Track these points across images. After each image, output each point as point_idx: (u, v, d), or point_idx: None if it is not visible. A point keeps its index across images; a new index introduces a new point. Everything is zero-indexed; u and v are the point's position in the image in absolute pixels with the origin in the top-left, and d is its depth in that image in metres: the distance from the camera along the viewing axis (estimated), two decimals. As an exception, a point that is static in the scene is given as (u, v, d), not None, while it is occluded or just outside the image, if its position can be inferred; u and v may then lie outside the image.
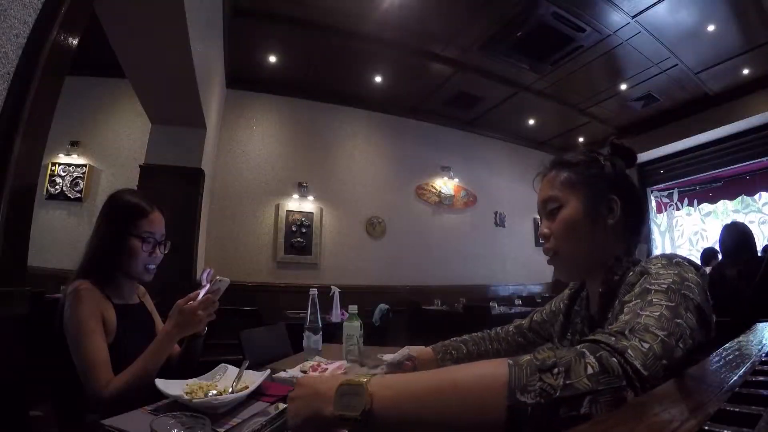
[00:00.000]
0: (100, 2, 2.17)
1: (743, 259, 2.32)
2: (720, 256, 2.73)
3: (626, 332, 0.47)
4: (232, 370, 1.06)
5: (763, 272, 2.01)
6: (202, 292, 1.09)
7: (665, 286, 0.56)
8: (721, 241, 2.53)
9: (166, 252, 1.22)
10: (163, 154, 3.64)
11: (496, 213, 6.62)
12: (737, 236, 2.44)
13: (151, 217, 1.16)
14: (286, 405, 0.88)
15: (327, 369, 1.19)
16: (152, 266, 1.18)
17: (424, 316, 4.59)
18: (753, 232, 2.52)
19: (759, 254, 2.49)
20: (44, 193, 4.35)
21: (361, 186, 5.62)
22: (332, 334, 1.85)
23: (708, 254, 4.23)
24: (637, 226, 0.81)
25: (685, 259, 0.66)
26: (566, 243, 0.81)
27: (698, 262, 4.13)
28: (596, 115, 6.03)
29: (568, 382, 0.39)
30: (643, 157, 6.52)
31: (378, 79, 5.18)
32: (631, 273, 0.71)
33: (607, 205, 0.78)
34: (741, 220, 5.97)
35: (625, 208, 0.78)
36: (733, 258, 2.40)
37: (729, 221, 2.91)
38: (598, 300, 0.78)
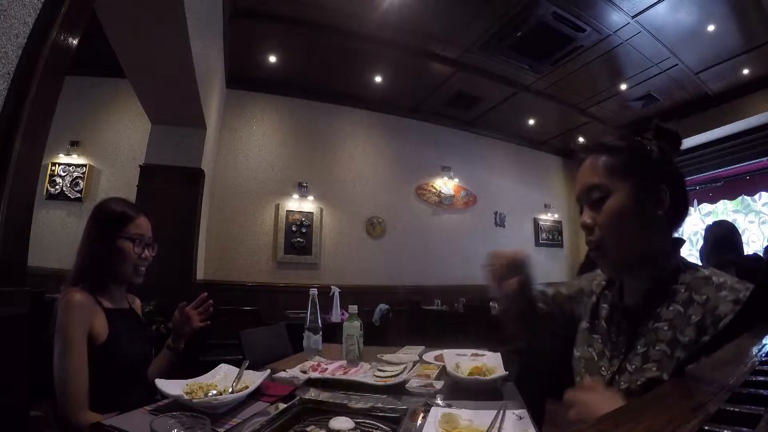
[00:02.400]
0: (100, 2, 2.17)
1: (726, 260, 2.11)
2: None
3: None
4: (232, 370, 1.06)
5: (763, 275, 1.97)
6: None
7: None
8: (704, 241, 2.40)
9: (153, 254, 1.25)
10: (163, 154, 3.64)
11: (496, 213, 6.62)
12: (717, 236, 2.31)
13: (137, 221, 1.20)
14: (286, 405, 0.89)
15: (327, 369, 1.19)
16: (142, 268, 1.21)
17: (424, 316, 4.59)
18: (739, 231, 2.39)
19: (752, 254, 2.38)
20: (44, 193, 4.35)
21: (361, 186, 5.62)
22: (332, 333, 1.85)
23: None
24: (681, 218, 0.78)
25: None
26: (613, 235, 0.75)
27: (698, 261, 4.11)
28: (596, 115, 6.03)
29: None
30: (643, 157, 6.52)
31: (378, 79, 5.18)
32: (685, 275, 0.71)
33: (657, 194, 0.73)
34: (741, 221, 5.99)
35: (673, 199, 0.74)
36: (715, 258, 2.23)
37: (736, 225, 2.74)
38: (642, 293, 0.75)
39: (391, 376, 1.12)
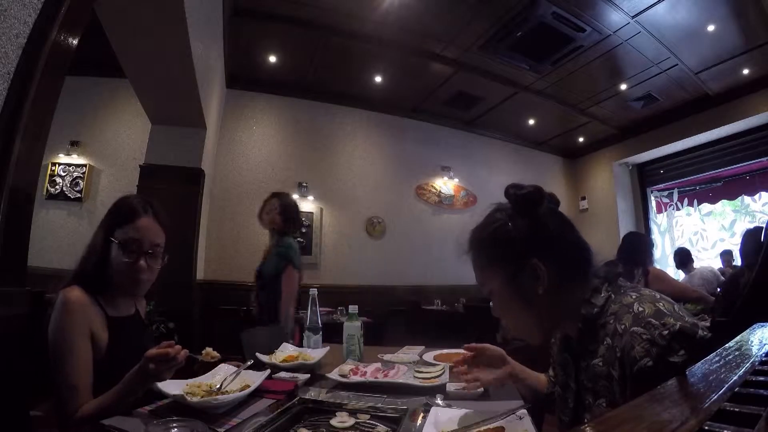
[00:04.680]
0: (100, 2, 2.17)
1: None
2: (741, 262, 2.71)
3: None
4: (232, 370, 1.06)
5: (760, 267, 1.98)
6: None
7: None
8: (741, 248, 2.50)
9: (162, 264, 1.11)
10: (163, 154, 3.64)
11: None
12: (756, 241, 2.35)
13: (138, 222, 1.05)
14: (286, 405, 0.89)
15: (366, 372, 1.18)
16: (142, 278, 1.05)
17: (424, 316, 4.59)
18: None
19: None
20: (44, 193, 4.34)
21: (361, 186, 5.62)
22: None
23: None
24: (580, 268, 0.75)
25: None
26: (511, 322, 0.80)
27: (704, 264, 4.14)
28: (596, 115, 6.03)
29: None
30: (643, 157, 6.53)
31: (378, 79, 5.18)
32: (614, 305, 0.70)
33: (530, 272, 0.72)
34: (740, 221, 5.99)
35: (555, 262, 0.72)
36: (750, 264, 2.32)
37: (734, 223, 2.90)
38: (576, 335, 0.76)
39: (435, 377, 1.12)
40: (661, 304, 0.67)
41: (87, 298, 1.00)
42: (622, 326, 0.66)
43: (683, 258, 4.16)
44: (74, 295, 0.98)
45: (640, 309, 0.66)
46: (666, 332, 0.61)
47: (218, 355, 1.04)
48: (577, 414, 0.77)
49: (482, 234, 0.79)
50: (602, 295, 0.73)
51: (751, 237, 2.44)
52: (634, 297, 0.70)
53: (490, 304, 0.82)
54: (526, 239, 0.74)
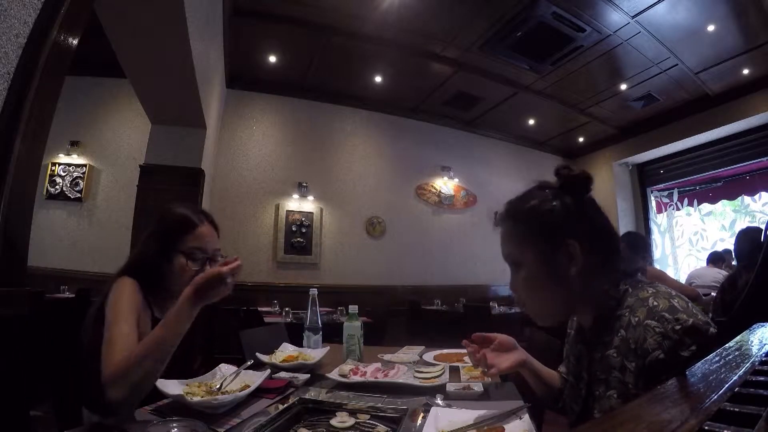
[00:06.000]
0: (100, 2, 2.17)
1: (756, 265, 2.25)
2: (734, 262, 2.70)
3: None
4: (232, 370, 1.06)
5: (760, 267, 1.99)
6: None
7: None
8: (735, 248, 2.49)
9: None
10: (163, 154, 3.64)
11: (496, 213, 6.54)
12: (751, 241, 2.36)
13: (198, 231, 1.08)
14: (286, 405, 0.89)
15: (366, 372, 1.18)
16: None
17: (424, 316, 4.58)
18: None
19: None
20: (44, 193, 4.35)
21: (361, 186, 5.62)
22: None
23: (714, 258, 4.10)
24: (609, 258, 0.76)
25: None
26: (529, 302, 0.79)
27: (703, 264, 4.08)
28: (596, 115, 6.03)
29: None
30: (643, 157, 6.53)
31: (378, 79, 5.18)
32: (630, 298, 0.71)
33: (566, 252, 0.73)
34: (740, 221, 5.99)
35: (589, 247, 0.74)
36: (747, 264, 2.31)
37: (734, 223, 2.88)
38: (591, 326, 0.77)
39: (435, 377, 1.12)
40: (676, 300, 0.68)
41: (140, 292, 1.03)
42: (636, 319, 0.68)
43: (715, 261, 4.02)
44: (130, 282, 1.01)
45: (655, 303, 0.68)
46: (678, 327, 0.63)
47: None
48: (587, 404, 0.77)
49: (524, 206, 0.79)
50: (621, 287, 0.74)
51: (745, 238, 2.44)
52: (650, 292, 0.71)
53: (510, 280, 0.82)
54: (569, 219, 0.75)
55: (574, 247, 0.73)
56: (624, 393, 0.67)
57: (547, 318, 0.80)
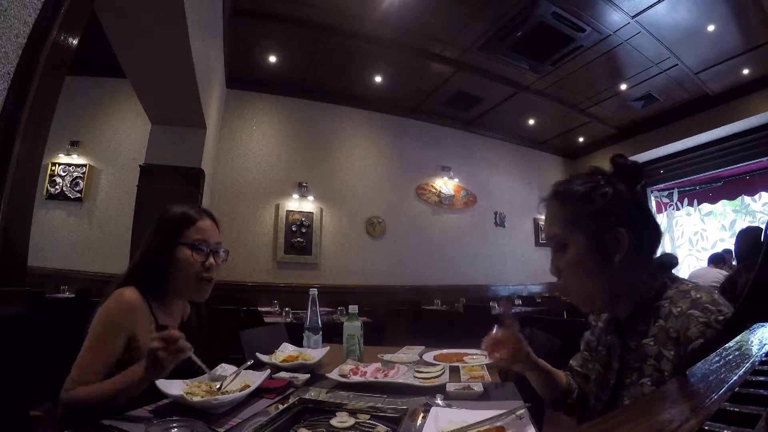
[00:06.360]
0: (100, 2, 2.17)
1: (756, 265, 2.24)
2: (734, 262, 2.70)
3: None
4: (232, 370, 1.06)
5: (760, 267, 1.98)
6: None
7: None
8: (735, 248, 2.49)
9: (223, 261, 1.12)
10: (163, 154, 3.64)
11: (496, 213, 6.62)
12: (751, 241, 2.37)
13: (199, 224, 1.09)
14: (285, 405, 0.89)
15: (366, 372, 1.18)
16: (208, 280, 1.07)
17: (424, 316, 4.58)
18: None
19: None
20: (44, 193, 4.35)
21: (361, 186, 5.62)
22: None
23: (716, 258, 4.10)
24: (651, 249, 0.78)
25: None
26: (573, 285, 0.79)
27: (704, 264, 4.07)
28: (596, 115, 6.03)
29: None
30: (643, 157, 6.52)
31: (378, 79, 5.18)
32: (671, 290, 0.73)
33: (614, 238, 0.74)
34: (740, 221, 5.99)
35: (636, 236, 0.74)
36: (747, 264, 2.30)
37: (734, 223, 2.85)
38: (629, 314, 0.78)
39: (435, 377, 1.12)
40: (717, 295, 0.70)
41: (140, 301, 1.00)
42: (678, 309, 0.70)
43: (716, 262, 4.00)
44: (128, 295, 0.98)
45: (698, 296, 0.70)
46: (722, 318, 0.65)
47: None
48: (616, 392, 0.79)
49: (577, 188, 0.78)
50: (659, 279, 0.76)
51: (745, 237, 2.44)
52: (690, 285, 0.73)
53: (552, 262, 0.81)
54: (621, 207, 0.75)
55: (622, 235, 0.74)
56: (659, 380, 0.68)
57: (588, 302, 0.80)
